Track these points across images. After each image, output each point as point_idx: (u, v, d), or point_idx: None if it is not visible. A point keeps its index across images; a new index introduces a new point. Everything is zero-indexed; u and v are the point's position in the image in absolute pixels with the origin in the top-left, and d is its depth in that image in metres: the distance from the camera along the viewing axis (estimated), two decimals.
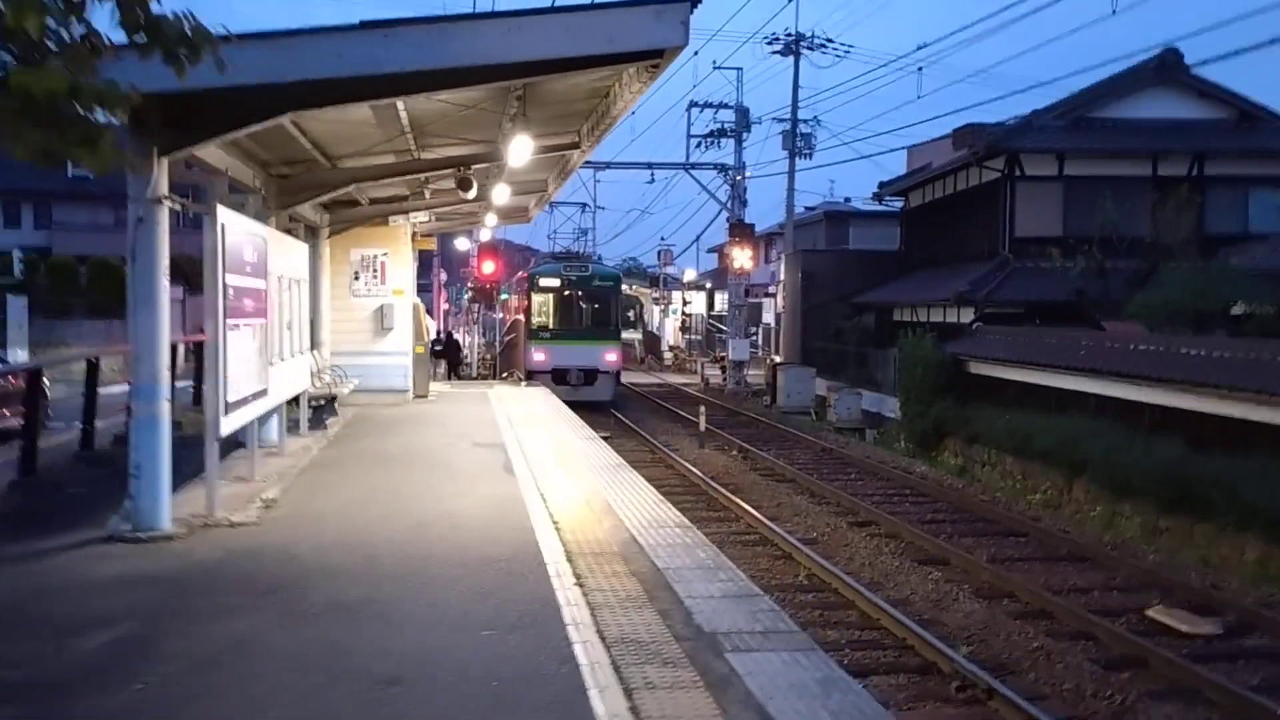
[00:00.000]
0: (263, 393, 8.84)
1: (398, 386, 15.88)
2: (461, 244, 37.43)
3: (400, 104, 8.17)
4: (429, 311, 49.32)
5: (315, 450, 10.81)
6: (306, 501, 8.04)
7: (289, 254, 10.54)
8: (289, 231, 11.52)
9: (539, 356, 25.08)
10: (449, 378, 25.73)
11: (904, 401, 21.28)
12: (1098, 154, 23.47)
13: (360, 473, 9.51)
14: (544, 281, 26.63)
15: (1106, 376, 15.64)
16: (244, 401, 7.98)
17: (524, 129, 8.55)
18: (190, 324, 22.15)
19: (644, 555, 6.44)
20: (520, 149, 8.64)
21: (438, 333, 36.08)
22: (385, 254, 15.77)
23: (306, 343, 11.57)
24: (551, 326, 26.04)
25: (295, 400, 11.46)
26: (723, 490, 15.05)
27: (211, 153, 8.07)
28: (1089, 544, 12.46)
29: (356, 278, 15.78)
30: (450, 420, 13.81)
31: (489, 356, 31.22)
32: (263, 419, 10.59)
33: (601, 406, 24.40)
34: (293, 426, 11.83)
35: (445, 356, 28.60)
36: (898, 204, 33.45)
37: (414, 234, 16.60)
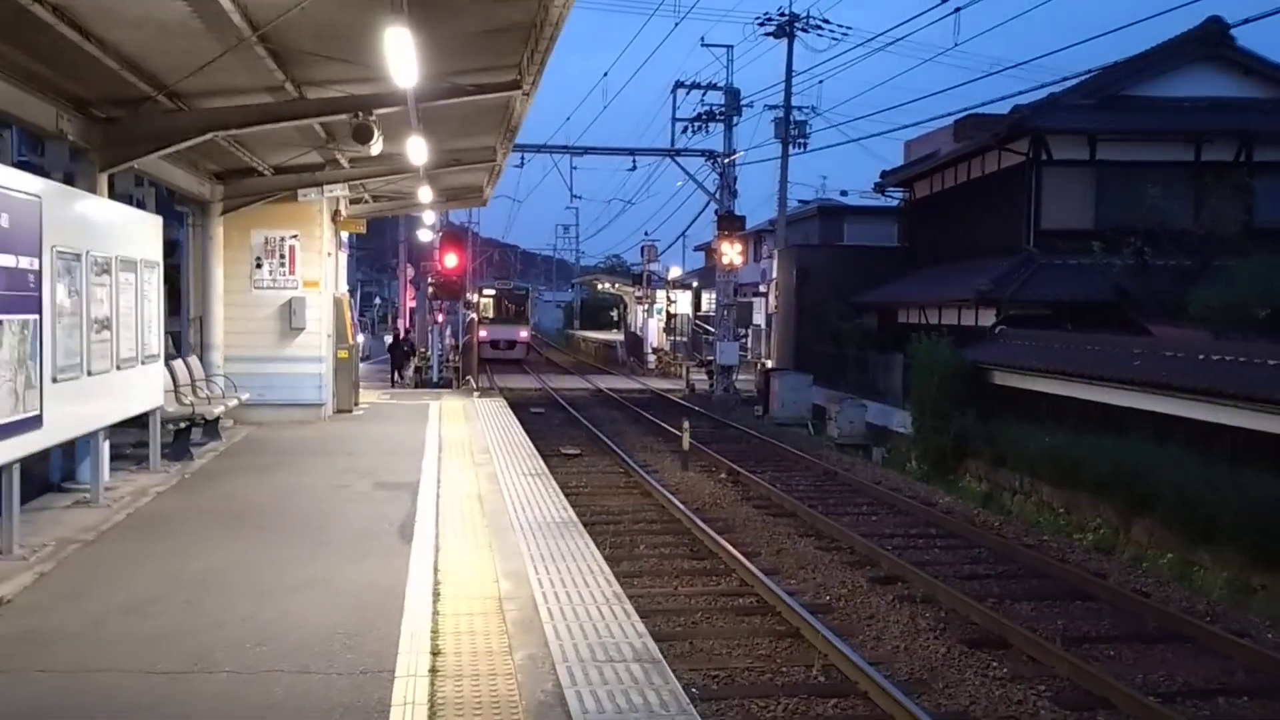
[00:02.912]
0: (28, 423, 5.94)
1: (310, 400, 12.92)
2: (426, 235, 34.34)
3: None
4: (394, 309, 46.71)
5: (151, 496, 7.91)
6: (51, 604, 5.16)
7: (114, 226, 7.64)
8: (130, 200, 8.61)
9: (484, 333, 38.95)
10: (414, 385, 23.09)
11: (917, 415, 18.50)
12: (1134, 135, 20.76)
13: (187, 540, 6.62)
14: (485, 291, 46.58)
15: (1176, 393, 12.89)
16: None
17: (413, 29, 5.67)
18: None
19: None
20: (400, 50, 5.76)
21: (405, 332, 33.50)
22: (294, 236, 12.77)
23: (154, 347, 8.66)
24: (490, 316, 44.49)
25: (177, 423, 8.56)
26: (709, 530, 12.18)
27: None
28: (1179, 611, 9.65)
29: (259, 265, 12.78)
30: (364, 446, 10.93)
31: (453, 358, 28.20)
32: (75, 454, 7.72)
33: (520, 363, 43.66)
34: (143, 459, 8.93)
35: (406, 358, 26.22)
36: (899, 198, 30.77)
37: (335, 213, 13.63)
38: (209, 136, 8.30)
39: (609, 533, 12.04)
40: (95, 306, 7.22)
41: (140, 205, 8.82)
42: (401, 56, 5.81)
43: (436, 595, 5.34)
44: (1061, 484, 14.29)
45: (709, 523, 12.64)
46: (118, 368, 7.67)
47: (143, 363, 8.37)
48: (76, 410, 6.81)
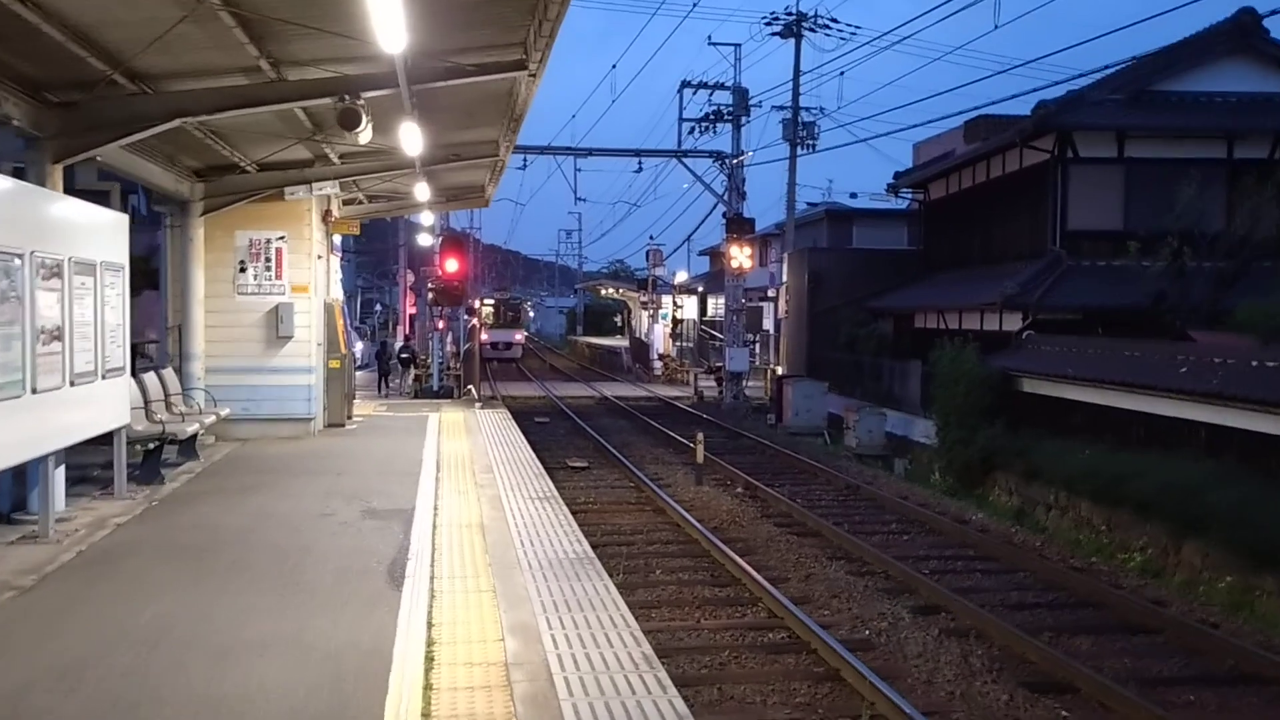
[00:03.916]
0: None
1: (299, 414, 12.00)
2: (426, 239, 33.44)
3: None
4: (395, 316, 46.50)
5: (110, 528, 7.01)
6: None
7: (68, 224, 6.76)
8: (95, 198, 7.71)
9: (485, 336, 42.45)
10: (413, 394, 22.38)
11: (942, 426, 17.61)
12: (1164, 132, 19.86)
13: (141, 584, 5.70)
14: (487, 300, 52.69)
15: (1230, 403, 11.98)
16: None
17: None
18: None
19: None
20: (384, 3, 4.84)
21: (405, 339, 32.59)
22: (281, 237, 11.86)
23: (117, 360, 7.77)
24: (491, 322, 51.10)
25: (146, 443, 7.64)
26: (730, 552, 11.27)
27: None
28: (1253, 647, 8.73)
29: (243, 269, 11.86)
30: (356, 464, 10.03)
31: (454, 365, 27.27)
32: (28, 480, 6.83)
33: (517, 363, 50.53)
34: (110, 482, 8.04)
35: (406, 365, 25.52)
36: (911, 199, 29.88)
37: (326, 213, 12.73)
38: (177, 123, 7.38)
39: (622, 555, 11.17)
40: (43, 315, 6.33)
41: (100, 200, 7.91)
42: (386, 11, 4.89)
43: (430, 659, 4.42)
44: (1102, 500, 13.38)
45: (729, 544, 11.75)
46: (71, 384, 6.78)
47: (103, 377, 7.48)
48: (17, 433, 5.92)
